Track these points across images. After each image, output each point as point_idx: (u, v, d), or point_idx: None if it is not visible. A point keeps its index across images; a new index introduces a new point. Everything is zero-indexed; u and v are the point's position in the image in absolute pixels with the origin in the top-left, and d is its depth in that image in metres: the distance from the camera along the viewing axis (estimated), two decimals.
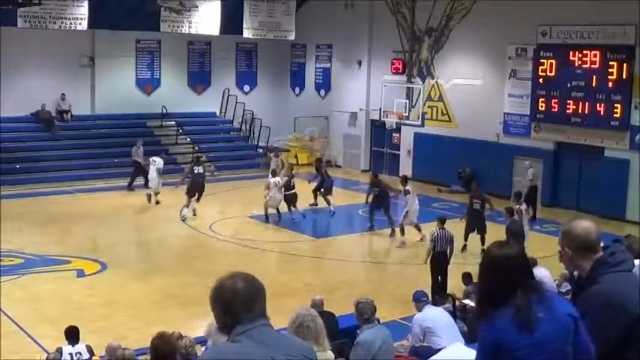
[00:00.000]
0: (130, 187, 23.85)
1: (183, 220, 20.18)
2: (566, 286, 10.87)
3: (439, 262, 14.12)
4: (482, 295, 3.38)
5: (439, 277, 14.05)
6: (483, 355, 3.25)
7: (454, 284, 13.45)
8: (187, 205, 20.50)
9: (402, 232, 18.24)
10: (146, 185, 23.28)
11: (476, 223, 17.54)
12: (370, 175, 22.62)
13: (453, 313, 10.70)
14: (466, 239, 17.76)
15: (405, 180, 19.15)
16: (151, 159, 22.86)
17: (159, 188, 22.42)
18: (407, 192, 18.39)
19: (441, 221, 14.50)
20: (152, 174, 22.44)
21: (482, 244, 16.88)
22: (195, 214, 20.47)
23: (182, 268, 16.39)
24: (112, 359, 8.49)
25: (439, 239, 14.11)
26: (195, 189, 20.67)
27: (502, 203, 22.86)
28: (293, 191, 20.61)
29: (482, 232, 17.39)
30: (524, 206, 16.83)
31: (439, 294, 13.44)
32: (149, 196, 22.37)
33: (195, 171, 21.05)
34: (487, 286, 3.31)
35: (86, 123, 28.14)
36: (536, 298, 3.20)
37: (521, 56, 23.73)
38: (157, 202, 22.38)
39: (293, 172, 22.20)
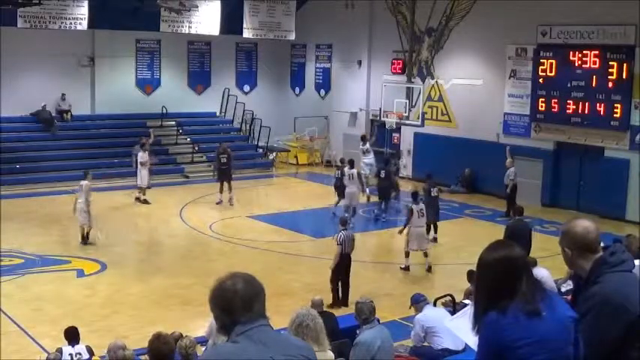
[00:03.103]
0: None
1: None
2: (567, 286, 10.86)
3: (345, 264, 13.90)
4: (481, 296, 3.36)
5: (340, 279, 13.87)
6: (485, 355, 3.24)
7: (451, 283, 13.45)
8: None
9: None
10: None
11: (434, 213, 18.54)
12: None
13: (453, 313, 10.68)
14: (428, 231, 18.17)
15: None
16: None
17: (142, 183, 22.46)
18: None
19: (343, 223, 14.33)
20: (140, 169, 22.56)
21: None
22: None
23: (182, 268, 16.39)
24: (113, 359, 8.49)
25: (345, 241, 13.85)
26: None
27: (501, 203, 22.98)
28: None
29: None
30: (421, 206, 16.65)
31: (344, 295, 13.59)
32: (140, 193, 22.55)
33: (382, 175, 21.55)
34: (485, 288, 3.29)
35: (86, 123, 28.14)
36: (539, 294, 3.19)
37: (521, 56, 23.73)
38: (138, 199, 22.47)
39: None
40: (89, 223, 17.83)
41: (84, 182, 18.05)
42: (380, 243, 19.50)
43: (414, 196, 16.94)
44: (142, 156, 22.51)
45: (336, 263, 13.86)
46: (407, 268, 16.32)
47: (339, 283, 13.92)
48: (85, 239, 17.79)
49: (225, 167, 22.56)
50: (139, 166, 22.46)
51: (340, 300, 13.73)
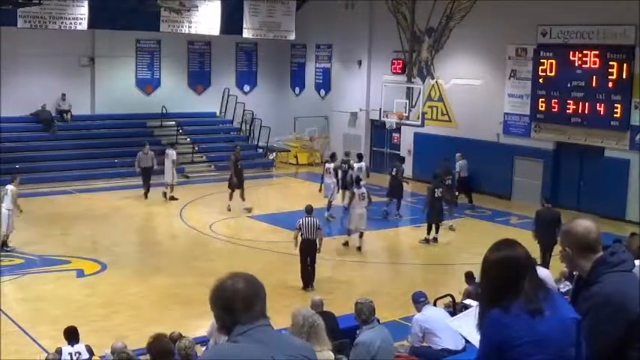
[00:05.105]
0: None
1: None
2: (567, 286, 10.86)
3: (306, 248, 14.74)
4: (485, 294, 3.35)
5: (307, 264, 14.75)
6: (486, 352, 3.24)
7: (451, 283, 13.45)
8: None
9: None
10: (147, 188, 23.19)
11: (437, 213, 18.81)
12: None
13: (453, 314, 10.67)
14: (429, 232, 18.62)
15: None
16: (166, 151, 23.08)
17: (174, 181, 22.72)
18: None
19: (307, 211, 15.14)
20: (167, 166, 22.68)
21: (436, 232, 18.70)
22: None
23: (182, 268, 16.39)
24: None
25: (304, 226, 14.74)
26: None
27: (501, 203, 23.00)
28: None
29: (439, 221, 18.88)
30: (362, 190, 17.97)
31: (309, 281, 14.57)
32: (164, 193, 22.67)
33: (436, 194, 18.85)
34: (489, 286, 3.29)
35: (86, 123, 28.14)
36: (542, 294, 3.19)
37: (521, 56, 23.72)
38: (172, 198, 22.51)
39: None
40: (10, 227, 16.96)
41: (9, 187, 17.09)
42: (380, 242, 19.48)
43: (357, 181, 18.69)
44: (172, 154, 22.86)
45: (297, 243, 14.83)
46: (346, 244, 17.96)
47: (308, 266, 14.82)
48: (5, 244, 16.90)
49: (240, 175, 22.12)
50: (168, 164, 22.63)
51: (305, 286, 14.63)
